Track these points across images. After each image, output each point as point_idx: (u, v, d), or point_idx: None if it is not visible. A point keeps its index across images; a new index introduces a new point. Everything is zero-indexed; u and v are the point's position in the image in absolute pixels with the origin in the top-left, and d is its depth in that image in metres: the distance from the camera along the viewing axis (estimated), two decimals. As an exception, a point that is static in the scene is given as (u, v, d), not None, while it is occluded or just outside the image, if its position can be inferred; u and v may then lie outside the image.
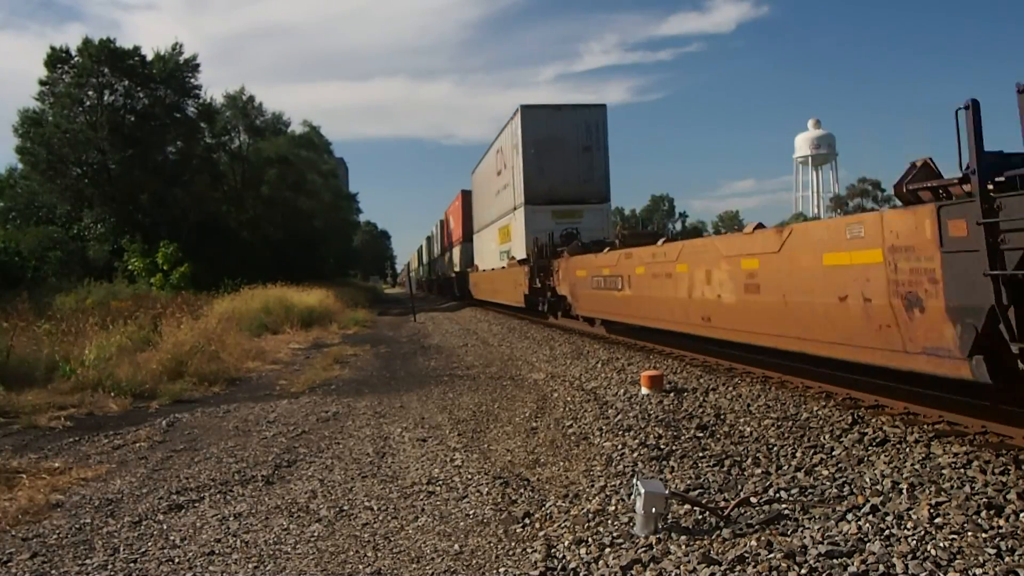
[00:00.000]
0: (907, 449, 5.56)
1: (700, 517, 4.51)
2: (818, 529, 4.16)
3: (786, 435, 6.29)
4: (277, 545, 4.60)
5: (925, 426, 6.15)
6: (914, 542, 3.88)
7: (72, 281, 26.18)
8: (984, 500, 4.30)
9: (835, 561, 3.72)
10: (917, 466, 5.12)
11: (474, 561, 4.22)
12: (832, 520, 4.29)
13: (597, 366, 11.31)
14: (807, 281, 7.00)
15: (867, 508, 4.39)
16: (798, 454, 5.71)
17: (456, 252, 39.87)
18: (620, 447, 6.35)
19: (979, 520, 4.06)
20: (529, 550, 4.28)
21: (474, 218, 32.63)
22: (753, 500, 4.73)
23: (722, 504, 4.64)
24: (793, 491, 4.84)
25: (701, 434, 6.58)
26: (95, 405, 9.74)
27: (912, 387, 6.77)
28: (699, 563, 3.83)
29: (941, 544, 3.81)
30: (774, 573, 3.67)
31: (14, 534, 5.01)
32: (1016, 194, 4.73)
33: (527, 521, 4.78)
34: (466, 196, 35.91)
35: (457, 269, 40.57)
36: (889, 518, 4.22)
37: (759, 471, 5.37)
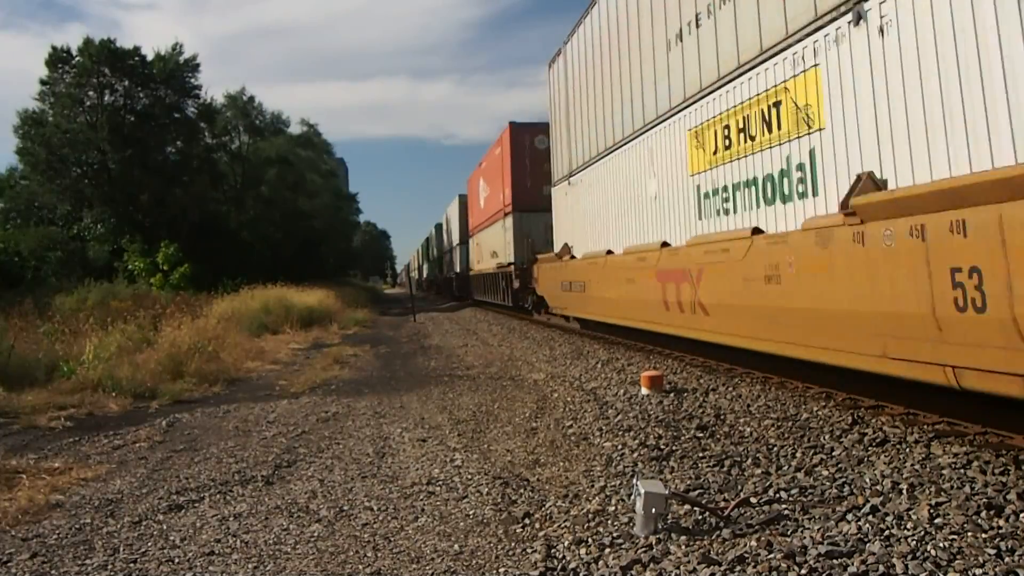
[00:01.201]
0: (907, 449, 5.56)
1: (700, 517, 4.51)
2: (818, 529, 4.16)
3: (786, 435, 6.29)
4: (277, 545, 4.60)
5: (925, 426, 6.15)
6: (914, 542, 3.88)
7: (72, 281, 26.19)
8: (984, 500, 4.30)
9: (835, 561, 3.71)
10: (917, 466, 5.11)
11: (474, 561, 4.22)
12: (832, 520, 4.29)
13: (597, 366, 11.30)
14: None
15: (867, 508, 4.39)
16: (798, 454, 5.71)
17: (493, 235, 26.67)
18: (620, 447, 6.35)
19: (979, 520, 4.06)
20: (529, 550, 4.28)
21: (568, 146, 16.05)
22: (753, 500, 4.73)
23: (722, 504, 4.64)
24: (793, 491, 4.84)
25: (701, 434, 6.58)
26: (95, 405, 9.73)
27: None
28: (699, 563, 3.83)
29: (941, 544, 3.81)
30: (774, 573, 3.67)
31: (14, 534, 5.01)
32: None
33: (527, 521, 4.78)
34: (519, 134, 22.77)
35: (486, 264, 28.21)
36: (889, 518, 4.22)
37: (759, 471, 5.37)
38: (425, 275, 67.48)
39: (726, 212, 8.95)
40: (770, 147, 7.88)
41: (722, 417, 7.16)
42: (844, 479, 5.01)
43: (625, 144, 12.40)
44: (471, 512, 5.03)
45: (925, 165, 5.66)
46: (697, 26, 9.49)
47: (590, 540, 4.30)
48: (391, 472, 6.15)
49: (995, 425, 5.77)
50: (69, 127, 32.54)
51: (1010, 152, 4.94)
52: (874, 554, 3.75)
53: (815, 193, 7.10)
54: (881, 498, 4.55)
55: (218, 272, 29.60)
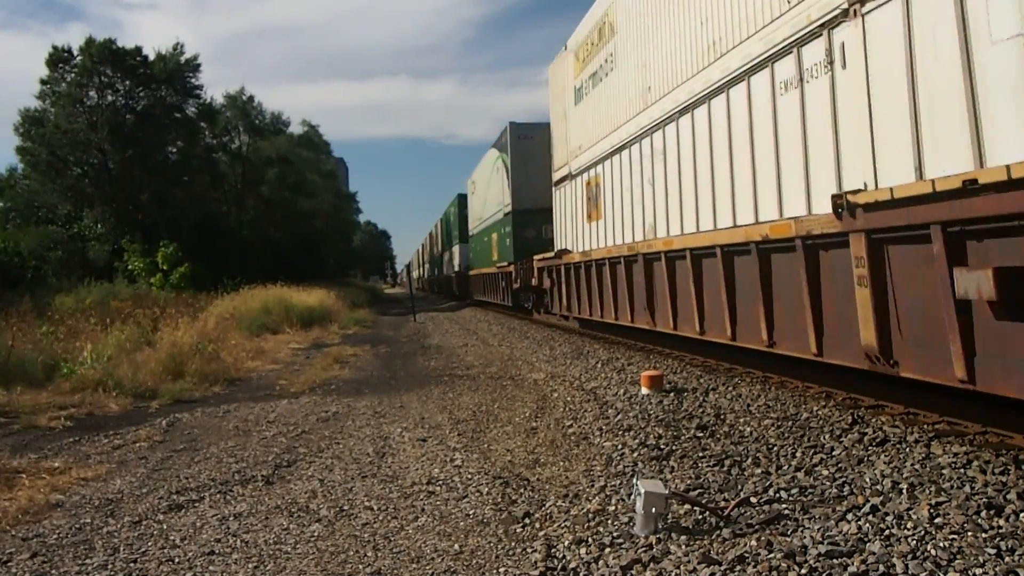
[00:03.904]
0: (907, 449, 5.56)
1: (700, 517, 4.51)
2: (818, 529, 4.16)
3: (786, 435, 6.29)
4: (277, 545, 4.60)
5: (925, 426, 6.15)
6: (914, 542, 3.88)
7: (72, 281, 26.21)
8: (984, 500, 4.30)
9: (835, 561, 3.71)
10: (917, 466, 5.11)
11: (474, 561, 4.22)
12: (832, 520, 4.29)
13: (597, 366, 11.30)
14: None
15: (867, 508, 4.39)
16: (798, 454, 5.71)
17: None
18: (620, 447, 6.35)
19: (979, 520, 4.06)
20: (529, 550, 4.28)
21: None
22: (753, 500, 4.73)
23: (722, 504, 4.64)
24: (793, 491, 4.84)
25: (701, 434, 6.58)
26: (95, 405, 9.73)
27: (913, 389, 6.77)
28: (699, 563, 3.83)
29: (941, 544, 3.81)
30: (774, 573, 3.67)
31: (14, 534, 5.01)
32: None
33: (527, 521, 4.78)
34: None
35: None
36: (889, 518, 4.22)
37: (759, 471, 5.37)
38: (447, 268, 45.53)
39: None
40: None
41: (722, 417, 7.16)
42: (844, 479, 5.01)
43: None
44: (471, 512, 5.03)
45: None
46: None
47: (590, 540, 4.30)
48: (391, 472, 6.15)
49: (996, 424, 5.77)
50: (70, 127, 32.56)
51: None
52: (874, 554, 3.75)
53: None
54: (881, 498, 4.55)
55: (218, 272, 29.62)
